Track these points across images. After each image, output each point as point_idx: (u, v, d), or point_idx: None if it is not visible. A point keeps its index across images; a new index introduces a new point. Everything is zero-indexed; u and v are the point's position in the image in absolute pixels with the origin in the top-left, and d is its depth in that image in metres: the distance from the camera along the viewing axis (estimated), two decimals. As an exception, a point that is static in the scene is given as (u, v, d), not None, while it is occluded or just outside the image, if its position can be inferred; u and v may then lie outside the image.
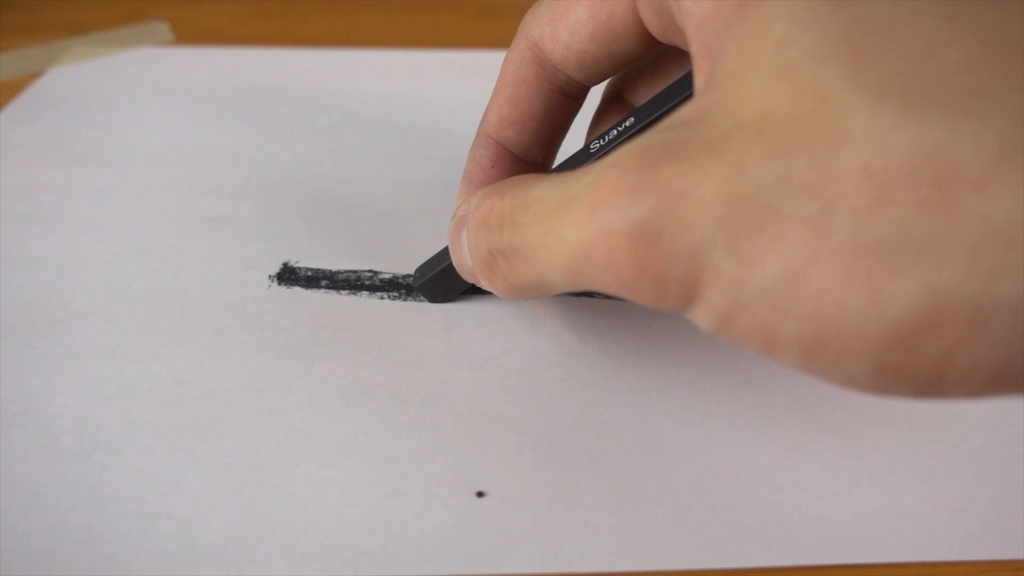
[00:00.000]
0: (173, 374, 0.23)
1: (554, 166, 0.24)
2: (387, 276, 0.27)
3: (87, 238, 0.29)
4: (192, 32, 0.47)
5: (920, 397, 0.14)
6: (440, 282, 0.25)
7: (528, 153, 0.24)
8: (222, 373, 0.23)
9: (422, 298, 0.26)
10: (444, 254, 0.25)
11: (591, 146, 0.22)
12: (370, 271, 0.28)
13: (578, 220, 0.16)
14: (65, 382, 0.23)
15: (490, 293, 0.26)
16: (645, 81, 0.23)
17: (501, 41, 0.47)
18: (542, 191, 0.17)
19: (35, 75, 0.42)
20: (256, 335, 0.25)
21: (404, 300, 0.26)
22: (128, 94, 0.40)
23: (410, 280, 0.27)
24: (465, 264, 0.22)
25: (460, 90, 0.41)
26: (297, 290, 0.27)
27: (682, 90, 0.20)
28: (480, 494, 0.20)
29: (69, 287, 0.26)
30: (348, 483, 0.20)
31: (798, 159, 0.13)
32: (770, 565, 0.18)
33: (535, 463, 0.21)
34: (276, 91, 0.40)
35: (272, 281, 0.27)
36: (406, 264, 0.28)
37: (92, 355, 0.24)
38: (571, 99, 0.23)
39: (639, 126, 0.21)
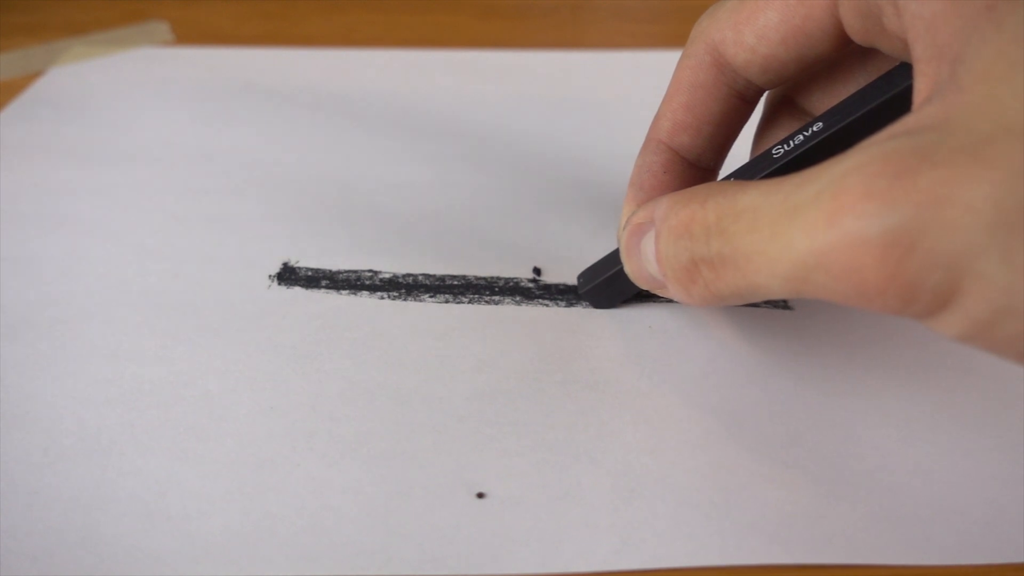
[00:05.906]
0: (173, 374, 0.23)
1: (726, 173, 0.23)
2: (387, 276, 0.27)
3: (87, 238, 0.29)
4: (192, 32, 0.47)
5: None
6: (607, 288, 0.25)
7: (701, 158, 0.24)
8: (222, 373, 0.23)
9: (423, 298, 0.26)
10: (611, 259, 0.25)
11: (773, 151, 0.21)
12: (370, 271, 0.28)
13: (812, 227, 0.15)
14: (66, 383, 0.23)
15: (659, 299, 0.26)
16: (821, 85, 0.23)
17: (501, 41, 0.47)
18: (753, 199, 0.17)
19: (35, 75, 0.42)
20: (256, 335, 0.25)
21: (404, 300, 0.26)
22: (128, 94, 0.40)
23: (409, 280, 0.27)
24: (642, 272, 0.21)
25: (460, 89, 0.41)
26: (297, 290, 0.27)
27: (878, 94, 0.20)
28: (480, 495, 0.20)
29: (69, 287, 0.26)
30: (348, 483, 0.20)
31: None
32: (770, 563, 0.18)
33: (535, 464, 0.21)
34: (276, 91, 0.40)
35: (272, 281, 0.27)
36: (406, 264, 0.28)
37: (92, 356, 0.24)
38: (746, 103, 0.23)
39: (829, 131, 0.20)
